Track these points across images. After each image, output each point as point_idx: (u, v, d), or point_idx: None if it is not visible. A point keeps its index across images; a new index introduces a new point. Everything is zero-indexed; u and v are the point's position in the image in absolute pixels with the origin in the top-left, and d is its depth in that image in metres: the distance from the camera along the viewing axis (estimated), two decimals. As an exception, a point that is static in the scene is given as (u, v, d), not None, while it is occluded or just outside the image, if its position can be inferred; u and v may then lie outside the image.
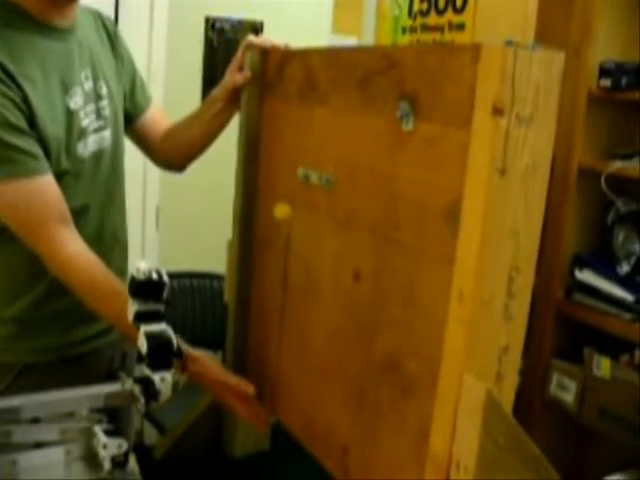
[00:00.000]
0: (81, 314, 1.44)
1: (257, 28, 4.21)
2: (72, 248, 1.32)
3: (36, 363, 1.42)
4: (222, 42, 4.16)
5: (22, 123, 1.27)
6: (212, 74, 4.20)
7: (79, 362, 1.47)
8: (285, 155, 1.24)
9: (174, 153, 1.63)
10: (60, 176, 1.33)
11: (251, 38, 1.40)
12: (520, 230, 0.88)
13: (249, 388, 1.33)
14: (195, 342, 1.49)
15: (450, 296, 0.89)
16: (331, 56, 1.15)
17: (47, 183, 1.30)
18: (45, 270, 1.36)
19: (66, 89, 1.36)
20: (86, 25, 1.47)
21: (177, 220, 3.27)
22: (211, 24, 4.11)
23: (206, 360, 1.35)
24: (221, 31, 4.13)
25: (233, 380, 1.34)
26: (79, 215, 1.37)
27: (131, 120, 1.61)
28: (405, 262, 0.98)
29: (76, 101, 1.37)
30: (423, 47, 0.94)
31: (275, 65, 1.30)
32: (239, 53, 1.41)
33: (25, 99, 1.27)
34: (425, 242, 0.94)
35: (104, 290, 1.33)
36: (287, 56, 1.27)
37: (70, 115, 1.35)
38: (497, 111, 0.82)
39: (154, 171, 3.03)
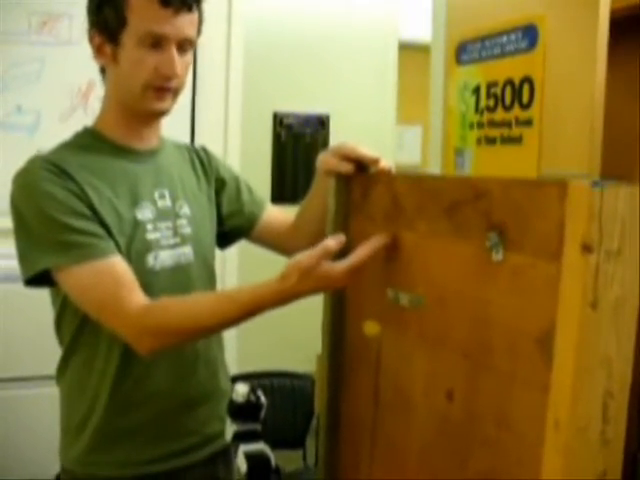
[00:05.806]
0: (159, 432, 1.48)
1: (323, 121, 4.35)
2: (147, 300, 1.34)
3: (115, 477, 1.46)
4: (289, 137, 4.31)
5: (85, 210, 1.34)
6: (281, 167, 4.34)
7: None
8: (373, 275, 1.29)
9: (307, 242, 1.53)
10: None
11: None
12: (612, 358, 0.90)
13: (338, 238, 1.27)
14: (276, 441, 1.51)
15: (546, 424, 0.91)
16: (416, 183, 1.20)
17: (117, 262, 1.35)
18: (126, 373, 1.40)
19: (135, 202, 1.44)
20: (174, 155, 1.60)
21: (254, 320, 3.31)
22: (279, 120, 4.27)
23: (296, 264, 1.26)
24: (289, 127, 4.28)
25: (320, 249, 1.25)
26: None
27: (250, 229, 1.69)
28: (498, 385, 1.01)
29: (144, 214, 1.45)
30: (509, 180, 0.99)
31: (360, 187, 1.35)
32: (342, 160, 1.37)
33: (87, 197, 1.35)
34: (518, 368, 0.97)
35: (209, 299, 1.36)
36: (372, 179, 1.33)
37: (136, 225, 1.43)
38: (586, 248, 0.85)
39: (231, 272, 3.11)
